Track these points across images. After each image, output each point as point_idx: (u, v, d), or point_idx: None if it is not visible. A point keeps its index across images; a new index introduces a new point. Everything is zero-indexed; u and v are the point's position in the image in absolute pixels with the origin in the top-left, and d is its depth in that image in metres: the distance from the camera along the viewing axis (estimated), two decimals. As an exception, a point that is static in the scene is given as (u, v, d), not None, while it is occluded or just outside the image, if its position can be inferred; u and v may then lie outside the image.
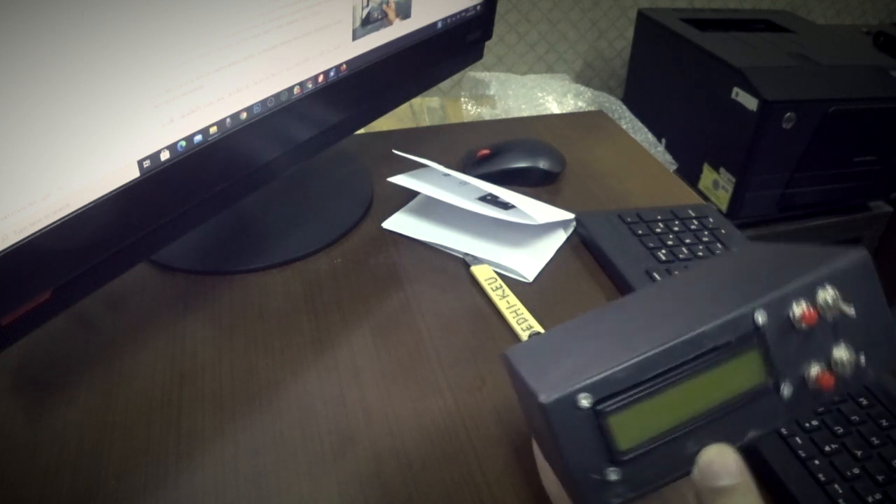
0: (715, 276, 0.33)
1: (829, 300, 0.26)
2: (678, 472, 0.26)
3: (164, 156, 0.41)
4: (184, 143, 0.42)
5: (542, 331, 0.48)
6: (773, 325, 0.26)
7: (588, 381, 0.25)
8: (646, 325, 0.29)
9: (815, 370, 0.26)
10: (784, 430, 0.39)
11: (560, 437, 0.25)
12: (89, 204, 0.37)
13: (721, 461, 0.25)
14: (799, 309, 0.26)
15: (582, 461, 0.25)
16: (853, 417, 0.40)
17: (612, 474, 0.25)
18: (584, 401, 0.25)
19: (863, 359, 0.27)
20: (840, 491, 0.36)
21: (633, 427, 0.25)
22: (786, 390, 0.26)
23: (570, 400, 0.25)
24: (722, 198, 1.37)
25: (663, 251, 0.55)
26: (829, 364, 0.27)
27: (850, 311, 0.26)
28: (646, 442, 0.25)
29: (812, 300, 0.26)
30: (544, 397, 0.25)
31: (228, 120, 0.44)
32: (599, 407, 0.25)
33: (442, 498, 0.37)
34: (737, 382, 0.26)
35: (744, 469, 0.25)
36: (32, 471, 0.38)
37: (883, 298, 0.28)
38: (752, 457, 0.39)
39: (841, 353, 0.26)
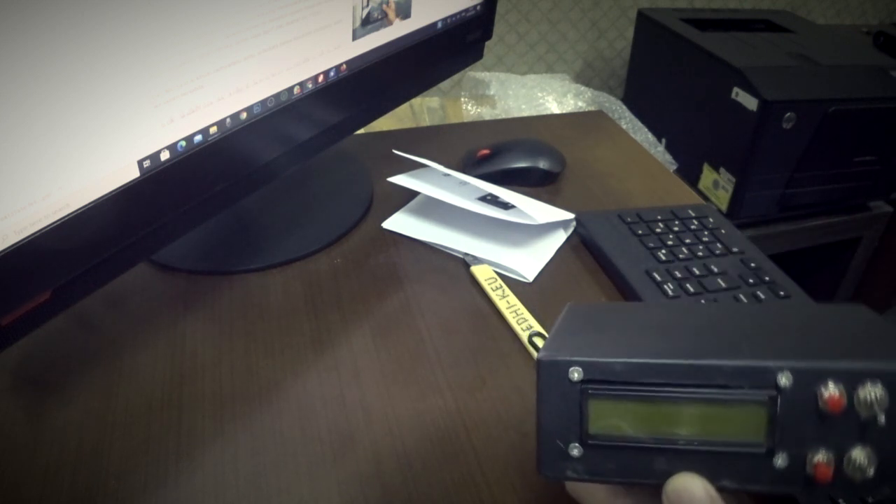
0: (768, 316, 0.31)
1: (871, 398, 0.23)
2: (638, 479, 0.26)
3: (164, 156, 0.41)
4: (184, 143, 0.42)
5: (542, 331, 0.48)
6: (795, 393, 0.24)
7: (585, 359, 0.25)
8: (672, 334, 0.29)
9: (819, 457, 0.24)
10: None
11: (542, 396, 0.26)
12: (89, 204, 0.37)
13: (689, 495, 0.25)
14: (830, 391, 0.24)
15: (553, 425, 0.26)
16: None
17: (574, 450, 0.26)
18: (575, 374, 0.25)
19: (872, 471, 0.24)
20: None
21: (610, 418, 0.25)
22: (779, 461, 0.25)
23: (563, 367, 0.25)
24: (722, 198, 1.37)
25: (663, 251, 0.55)
26: (839, 458, 0.24)
27: (881, 418, 0.23)
28: (616, 437, 0.25)
29: (852, 388, 0.23)
30: (542, 355, 0.26)
31: (228, 120, 0.44)
32: (585, 386, 0.25)
33: (442, 498, 0.37)
34: (731, 429, 0.25)
35: (712, 496, 0.24)
36: (32, 471, 0.38)
37: None
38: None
39: (858, 455, 0.24)
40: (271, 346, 0.47)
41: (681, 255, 0.55)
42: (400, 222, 0.60)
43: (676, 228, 0.58)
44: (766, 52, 1.38)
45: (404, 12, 0.57)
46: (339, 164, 0.67)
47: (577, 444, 0.26)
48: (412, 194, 0.62)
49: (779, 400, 0.24)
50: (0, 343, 0.35)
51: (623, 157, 0.74)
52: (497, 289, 0.52)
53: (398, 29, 0.57)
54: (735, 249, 0.56)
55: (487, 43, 0.73)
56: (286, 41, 0.46)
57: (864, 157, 1.35)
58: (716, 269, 0.53)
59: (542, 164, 0.66)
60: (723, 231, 0.58)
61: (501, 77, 1.32)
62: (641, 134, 1.35)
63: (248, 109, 0.46)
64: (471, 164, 0.67)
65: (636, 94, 1.68)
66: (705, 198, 1.36)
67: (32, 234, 0.34)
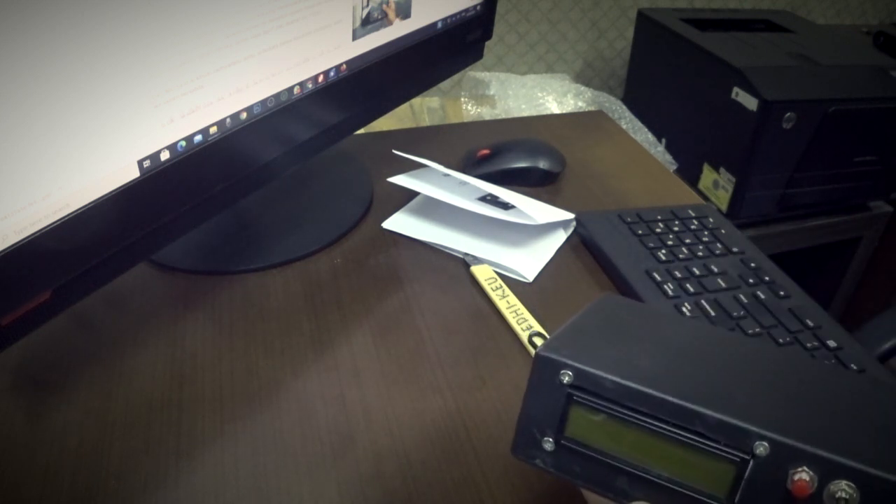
0: (775, 366, 0.31)
1: (842, 496, 0.23)
2: (598, 489, 0.27)
3: (164, 156, 0.41)
4: (184, 143, 0.42)
5: (542, 331, 0.48)
6: (767, 465, 0.24)
7: (579, 366, 0.26)
8: (675, 363, 0.29)
9: None
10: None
11: (531, 386, 0.27)
12: (89, 204, 0.37)
13: None
14: (801, 476, 0.23)
15: (534, 415, 0.27)
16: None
17: (547, 444, 0.27)
18: (565, 377, 0.26)
19: None
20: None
21: (586, 427, 0.26)
22: None
23: (557, 367, 0.27)
24: (722, 198, 1.37)
25: (663, 251, 0.55)
26: None
27: None
28: (587, 446, 0.27)
29: (826, 479, 0.23)
30: (542, 349, 0.27)
31: (228, 120, 0.44)
32: (572, 391, 0.26)
33: (442, 498, 0.37)
34: (697, 476, 0.25)
35: None
36: (32, 471, 0.38)
37: None
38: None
39: None
40: (271, 346, 0.47)
41: (681, 255, 0.55)
42: (400, 222, 0.60)
43: (676, 228, 0.58)
44: (766, 52, 1.38)
45: (404, 12, 0.57)
46: (339, 164, 0.67)
47: (550, 439, 0.27)
48: (412, 194, 0.62)
49: (750, 465, 0.24)
50: (0, 343, 0.35)
51: (623, 157, 0.74)
52: (497, 289, 0.52)
53: (398, 29, 0.57)
54: (735, 249, 0.56)
55: (487, 43, 0.73)
56: (286, 41, 0.46)
57: (864, 157, 1.35)
58: (716, 269, 0.53)
59: (542, 164, 0.66)
60: (723, 231, 0.59)
61: (501, 77, 1.32)
62: (641, 134, 1.35)
63: (248, 109, 0.46)
64: (471, 164, 0.67)
65: (636, 94, 1.68)
66: (705, 198, 1.37)
67: (32, 234, 0.34)
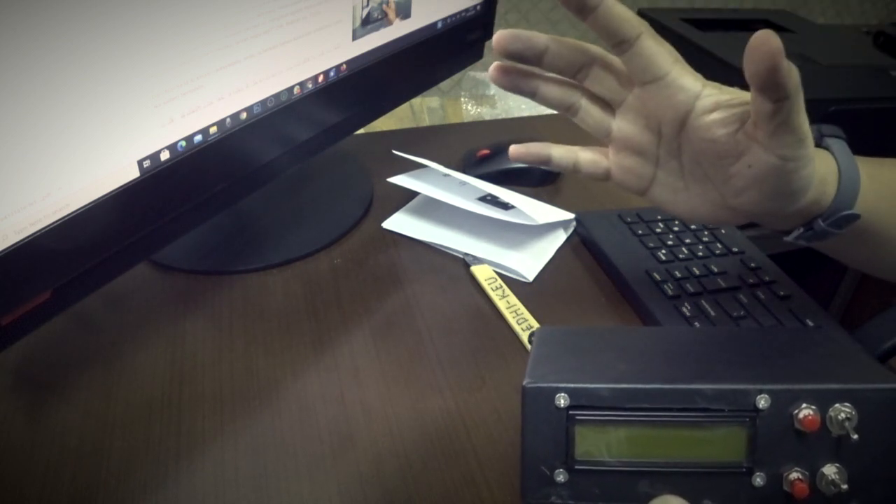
0: (745, 341, 0.32)
1: (840, 417, 0.25)
2: (622, 502, 0.26)
3: (164, 156, 0.41)
4: (184, 143, 0.42)
5: (542, 331, 0.48)
6: (772, 415, 0.25)
7: (571, 385, 0.26)
8: (655, 360, 0.30)
9: (794, 475, 0.26)
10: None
11: (527, 422, 0.26)
12: (89, 204, 0.37)
13: None
14: (805, 412, 0.25)
15: (538, 452, 0.26)
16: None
17: (560, 476, 0.26)
18: (561, 400, 0.26)
19: (846, 488, 0.25)
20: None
21: (595, 443, 0.26)
22: (758, 479, 0.26)
23: (549, 394, 0.26)
24: (722, 198, 1.37)
25: (663, 251, 0.55)
26: (813, 476, 0.26)
27: (854, 436, 0.25)
28: (601, 462, 0.26)
29: (824, 409, 0.25)
30: (527, 381, 0.26)
31: (228, 120, 0.44)
32: (573, 412, 0.26)
33: (442, 498, 0.37)
34: (713, 450, 0.26)
35: None
36: (32, 471, 0.38)
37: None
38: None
39: (830, 471, 0.25)
40: (271, 346, 0.47)
41: (681, 255, 0.55)
42: (400, 222, 0.60)
43: (676, 228, 0.58)
44: (766, 52, 1.38)
45: (404, 12, 0.57)
46: (339, 164, 0.67)
47: (562, 470, 0.26)
48: (412, 194, 0.62)
49: (757, 421, 0.25)
50: (0, 343, 0.35)
51: (623, 157, 0.73)
52: (497, 289, 0.52)
53: (398, 29, 0.57)
54: (735, 249, 0.56)
55: (487, 43, 0.73)
56: (286, 41, 0.46)
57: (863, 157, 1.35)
58: (716, 269, 0.53)
59: (542, 164, 0.66)
60: (723, 231, 0.58)
61: (501, 77, 1.32)
62: (641, 134, 1.35)
63: (248, 109, 0.46)
64: (471, 164, 0.67)
65: (636, 94, 1.68)
66: (705, 198, 1.36)
67: (32, 234, 0.34)
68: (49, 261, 0.36)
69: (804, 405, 0.25)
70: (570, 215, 0.60)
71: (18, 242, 0.33)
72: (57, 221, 0.35)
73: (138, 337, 0.47)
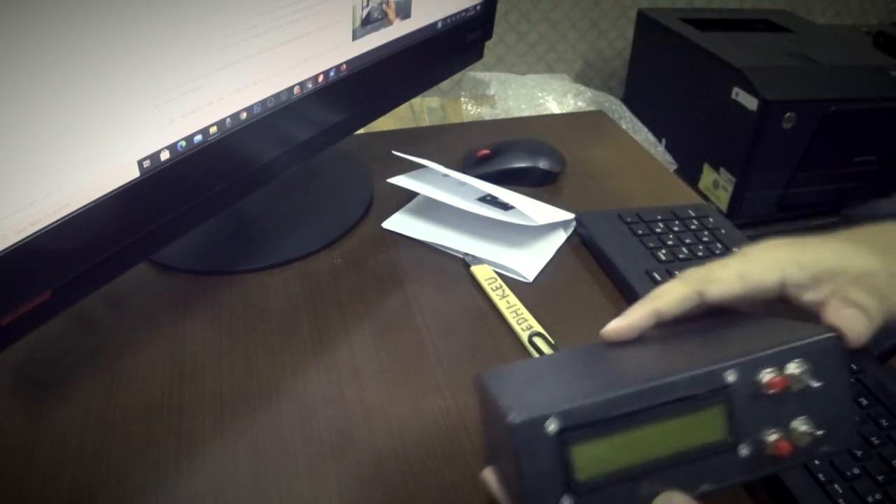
0: (694, 336, 0.34)
1: (797, 372, 0.27)
2: None
3: (164, 156, 0.41)
4: (184, 143, 0.42)
5: (542, 331, 0.48)
6: (742, 387, 0.27)
7: (558, 409, 0.25)
8: (622, 368, 0.31)
9: (773, 436, 0.27)
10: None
11: (522, 459, 0.25)
12: (89, 204, 0.37)
13: None
14: (768, 375, 0.27)
15: (540, 486, 0.25)
16: (853, 417, 0.40)
17: (567, 502, 0.25)
18: (552, 426, 0.25)
19: (821, 433, 0.28)
20: (840, 491, 0.36)
21: (593, 460, 0.26)
22: (743, 450, 0.27)
23: (538, 423, 0.25)
24: (722, 198, 1.37)
25: (663, 251, 0.55)
26: (787, 433, 0.27)
27: (815, 384, 0.27)
28: (603, 476, 0.26)
29: (783, 369, 0.27)
30: (513, 416, 0.25)
31: (228, 120, 0.44)
32: (565, 435, 0.25)
33: (442, 498, 0.37)
34: (698, 434, 0.27)
35: None
36: (32, 471, 0.38)
37: (847, 381, 0.29)
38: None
39: (799, 424, 0.27)
40: (271, 346, 0.47)
41: (681, 255, 0.55)
42: (400, 222, 0.60)
43: (676, 228, 0.58)
44: (766, 52, 1.38)
45: (404, 12, 0.57)
46: (339, 164, 0.67)
47: (568, 497, 0.26)
48: (412, 194, 0.62)
49: (733, 394, 0.27)
50: (0, 343, 0.35)
51: (623, 157, 0.74)
52: (497, 289, 0.52)
53: (398, 29, 0.57)
54: (735, 249, 0.56)
55: (487, 43, 0.73)
56: (286, 41, 0.46)
57: (864, 157, 1.35)
58: (716, 269, 0.53)
59: (542, 164, 0.66)
60: (723, 231, 0.58)
61: (501, 77, 1.32)
62: (641, 134, 1.35)
63: (248, 109, 0.46)
64: (471, 164, 0.67)
65: (636, 94, 1.68)
66: (705, 198, 1.37)
67: (32, 234, 0.34)
68: (49, 261, 0.36)
69: (765, 370, 0.27)
70: (570, 215, 0.60)
71: (18, 242, 0.33)
72: (57, 221, 0.35)
73: (138, 337, 0.47)
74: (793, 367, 0.27)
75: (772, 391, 0.27)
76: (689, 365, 0.27)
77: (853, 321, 0.31)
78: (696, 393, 0.27)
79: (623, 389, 0.26)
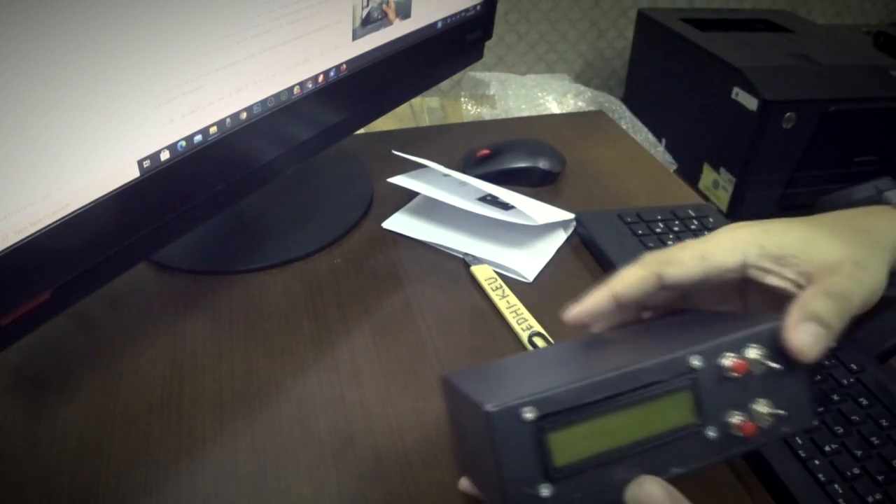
0: (661, 330, 0.35)
1: (756, 356, 0.29)
2: (604, 494, 0.27)
3: (164, 156, 0.41)
4: (184, 143, 0.42)
5: (542, 331, 0.48)
6: (706, 371, 0.28)
7: (533, 397, 0.26)
8: (591, 361, 0.32)
9: (738, 418, 0.29)
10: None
11: (500, 448, 0.26)
12: (89, 204, 0.37)
13: (645, 495, 0.27)
14: (730, 359, 0.28)
15: (518, 474, 0.26)
16: (853, 417, 0.40)
17: (545, 490, 0.26)
18: (529, 414, 0.26)
19: (781, 414, 0.29)
20: (840, 491, 0.36)
21: (569, 447, 0.27)
22: (710, 432, 0.28)
23: (515, 412, 0.26)
24: (722, 198, 1.37)
25: (663, 251, 0.55)
26: (750, 415, 0.29)
27: (773, 366, 0.29)
28: (579, 462, 0.27)
29: (743, 354, 0.29)
30: (490, 406, 0.26)
31: (228, 120, 0.44)
32: (542, 422, 0.26)
33: (442, 498, 0.37)
34: (667, 419, 0.28)
35: (671, 495, 0.27)
36: (32, 471, 0.38)
37: (804, 364, 0.30)
38: (753, 457, 0.39)
39: (761, 406, 0.29)
40: (271, 346, 0.47)
41: (681, 255, 0.55)
42: (400, 222, 0.60)
43: (676, 228, 0.58)
44: (766, 52, 1.38)
45: (404, 12, 0.57)
46: (339, 164, 0.67)
47: (546, 484, 0.26)
48: (412, 194, 0.62)
49: (697, 379, 0.28)
50: (0, 343, 0.35)
51: (623, 157, 0.74)
52: (497, 289, 0.52)
53: (398, 29, 0.57)
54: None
55: (487, 43, 0.73)
56: (286, 41, 0.46)
57: (864, 157, 1.35)
58: (716, 269, 0.53)
59: (542, 164, 0.66)
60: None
61: (501, 77, 1.32)
62: (641, 134, 1.36)
63: (248, 109, 0.46)
64: (471, 164, 0.67)
65: (636, 94, 1.68)
66: (705, 198, 1.37)
67: (32, 234, 0.34)
68: (49, 261, 0.36)
69: (727, 355, 0.29)
70: (570, 215, 0.60)
71: (18, 242, 0.33)
72: (57, 221, 0.35)
73: (138, 337, 0.47)
74: (752, 352, 0.29)
75: (734, 374, 0.28)
76: (657, 353, 0.29)
77: (808, 339, 0.30)
78: (663, 378, 0.28)
79: (594, 377, 0.27)
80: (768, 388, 0.29)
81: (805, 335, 0.30)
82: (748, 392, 0.29)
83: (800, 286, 0.33)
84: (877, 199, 0.39)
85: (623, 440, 0.27)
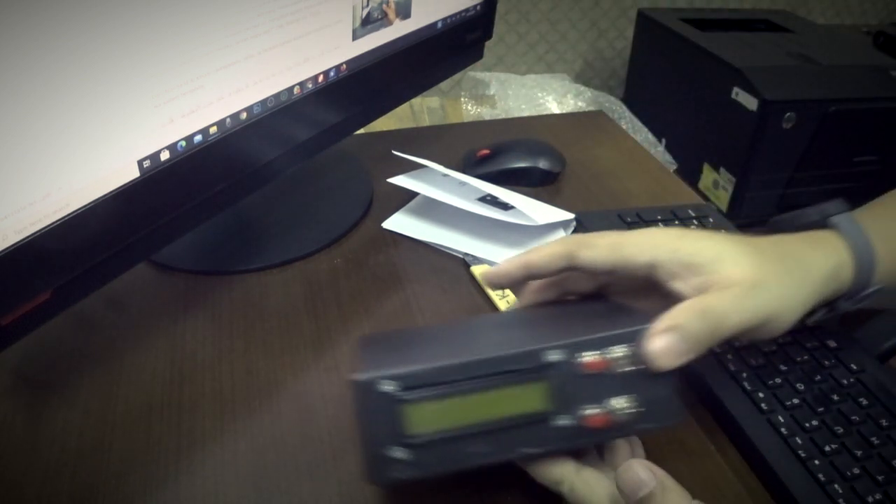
0: (559, 316, 0.38)
1: (619, 355, 0.30)
2: (457, 467, 0.31)
3: (164, 156, 0.41)
4: (184, 143, 0.42)
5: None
6: (564, 366, 0.30)
7: (394, 372, 0.30)
8: (473, 340, 0.35)
9: (591, 411, 0.31)
10: (784, 430, 0.39)
11: (361, 412, 0.30)
12: (89, 204, 0.37)
13: (631, 477, 0.29)
14: (588, 357, 0.30)
15: (375, 437, 0.30)
16: (853, 417, 0.40)
17: (398, 452, 0.30)
18: (388, 387, 0.30)
19: (640, 411, 0.31)
20: (840, 491, 0.36)
21: (424, 418, 0.30)
22: (561, 421, 0.31)
23: (376, 384, 0.30)
24: (722, 198, 1.38)
25: (663, 251, 0.55)
26: (605, 409, 0.31)
27: (636, 367, 0.31)
28: (433, 433, 0.30)
29: (605, 352, 0.31)
30: (357, 375, 0.30)
31: (228, 120, 0.44)
32: (399, 395, 0.30)
33: (442, 498, 0.37)
34: (520, 404, 0.30)
35: (655, 472, 0.29)
36: (32, 471, 0.38)
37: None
38: (753, 457, 0.39)
39: (619, 402, 0.31)
40: (271, 346, 0.47)
41: (681, 255, 0.55)
42: (400, 222, 0.60)
43: (676, 228, 0.58)
44: (766, 51, 1.38)
45: (404, 12, 0.57)
46: (339, 164, 0.67)
47: (399, 447, 0.30)
48: (412, 194, 0.62)
49: (552, 372, 0.30)
50: (0, 343, 0.35)
51: (623, 157, 0.74)
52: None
53: (398, 29, 0.57)
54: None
55: (487, 43, 0.73)
56: (286, 41, 0.46)
57: (864, 157, 1.35)
58: (716, 269, 0.53)
59: (542, 164, 0.66)
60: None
61: (501, 77, 1.32)
62: (641, 134, 1.36)
63: (248, 109, 0.46)
64: (471, 164, 0.67)
65: (636, 94, 1.68)
66: (705, 198, 1.37)
67: (33, 234, 0.34)
68: (49, 261, 0.36)
69: (587, 352, 0.30)
70: (570, 215, 0.60)
71: (18, 242, 0.33)
72: (57, 221, 0.35)
73: (138, 337, 0.47)
74: (617, 351, 0.30)
75: (591, 371, 0.30)
76: (522, 343, 0.31)
77: (662, 349, 0.31)
78: (518, 368, 0.30)
79: (455, 360, 0.30)
80: (631, 385, 0.31)
81: (661, 344, 0.31)
82: (607, 387, 0.31)
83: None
84: (823, 225, 0.39)
85: (476, 419, 0.30)
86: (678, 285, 0.35)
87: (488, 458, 0.31)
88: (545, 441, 0.31)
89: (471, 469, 0.31)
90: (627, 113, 1.36)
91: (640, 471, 0.29)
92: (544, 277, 0.38)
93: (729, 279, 0.33)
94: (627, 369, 0.31)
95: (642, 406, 0.31)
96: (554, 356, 0.30)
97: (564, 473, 0.32)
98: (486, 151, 0.68)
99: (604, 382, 0.31)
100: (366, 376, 0.30)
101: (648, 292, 0.37)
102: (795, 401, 0.41)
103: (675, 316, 0.32)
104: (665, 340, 0.31)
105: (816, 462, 0.37)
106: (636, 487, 0.29)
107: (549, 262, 0.37)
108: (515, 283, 0.39)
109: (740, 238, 0.37)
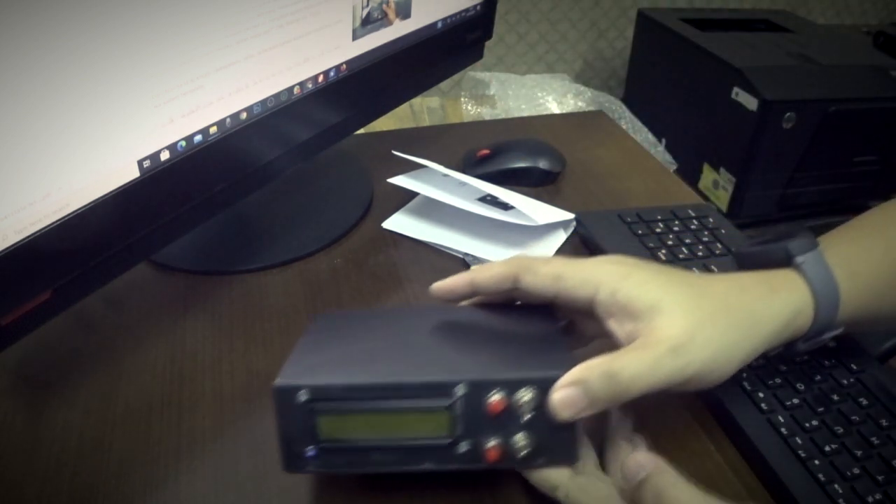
0: (489, 330, 0.39)
1: (525, 398, 0.32)
2: (365, 470, 0.34)
3: (164, 156, 0.41)
4: (184, 143, 0.42)
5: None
6: (468, 400, 0.32)
7: (310, 384, 0.32)
8: (395, 347, 0.37)
9: (490, 443, 0.32)
10: (784, 430, 0.39)
11: (278, 413, 0.32)
12: (89, 204, 0.37)
13: (632, 463, 0.32)
14: (493, 398, 0.32)
15: (290, 435, 0.33)
16: (853, 417, 0.40)
17: (310, 451, 0.33)
18: (302, 396, 0.32)
19: (535, 449, 0.32)
20: (840, 491, 0.36)
21: (334, 427, 0.32)
22: (462, 448, 0.33)
23: (293, 392, 0.32)
24: (722, 198, 1.38)
25: (663, 251, 0.55)
26: (507, 443, 0.32)
27: (535, 413, 0.32)
28: (342, 440, 0.33)
29: (511, 393, 0.32)
30: (277, 381, 0.32)
31: (228, 120, 0.44)
32: (311, 405, 0.32)
33: (442, 498, 0.37)
34: (423, 428, 0.32)
35: (652, 459, 0.31)
36: (32, 471, 0.38)
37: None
38: (753, 457, 0.39)
39: (519, 438, 0.32)
40: (271, 346, 0.47)
41: (681, 255, 0.55)
42: (400, 222, 0.60)
43: (676, 228, 0.58)
44: (766, 51, 1.38)
45: (404, 12, 0.57)
46: (339, 164, 0.67)
47: (311, 447, 0.33)
48: (412, 194, 0.62)
49: (456, 406, 0.32)
50: (0, 343, 0.35)
51: (623, 157, 0.74)
52: (497, 289, 0.52)
53: (398, 29, 0.57)
54: (735, 249, 0.56)
55: (487, 43, 0.73)
56: (286, 41, 0.46)
57: (864, 157, 1.35)
58: (715, 269, 0.53)
59: (542, 164, 0.66)
60: (723, 231, 0.58)
61: (501, 77, 1.32)
62: (641, 134, 1.36)
63: (248, 109, 0.46)
64: (471, 164, 0.67)
65: (636, 94, 1.68)
66: (705, 198, 1.37)
67: (33, 234, 0.34)
68: (49, 261, 0.36)
69: (494, 392, 0.32)
70: (570, 215, 0.60)
71: (18, 242, 0.34)
72: (57, 221, 0.35)
73: (139, 337, 0.47)
74: (522, 394, 0.32)
75: (492, 410, 0.32)
76: (434, 369, 0.33)
77: (565, 402, 0.31)
78: (426, 396, 0.32)
79: (367, 380, 0.32)
80: (533, 424, 0.32)
81: (564, 397, 0.31)
82: (508, 424, 0.32)
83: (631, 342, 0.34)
84: (788, 263, 0.38)
85: (381, 434, 0.33)
86: (613, 325, 0.35)
87: (393, 467, 0.33)
88: (447, 461, 0.33)
89: (377, 473, 0.34)
90: (627, 113, 1.36)
91: (640, 456, 0.31)
92: (489, 295, 0.39)
93: (657, 335, 0.33)
94: (531, 414, 0.32)
95: (540, 445, 0.32)
96: (462, 390, 0.32)
97: (560, 479, 0.33)
98: (486, 151, 0.68)
99: (505, 420, 0.32)
100: (284, 383, 0.32)
101: (589, 314, 0.37)
102: (795, 401, 0.41)
103: (582, 372, 0.32)
104: (568, 394, 0.31)
105: (816, 462, 0.37)
106: (637, 470, 0.31)
107: (493, 283, 0.38)
108: (460, 298, 0.40)
109: (691, 282, 0.36)
